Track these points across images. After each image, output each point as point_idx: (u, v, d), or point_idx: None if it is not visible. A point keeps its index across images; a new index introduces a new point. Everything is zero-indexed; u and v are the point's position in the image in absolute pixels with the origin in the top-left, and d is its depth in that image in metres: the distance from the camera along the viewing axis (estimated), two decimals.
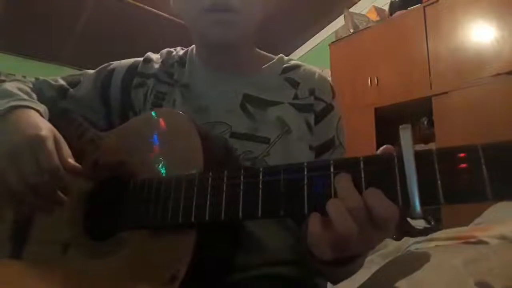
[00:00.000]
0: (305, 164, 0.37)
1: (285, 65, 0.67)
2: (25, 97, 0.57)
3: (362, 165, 0.35)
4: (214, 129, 0.58)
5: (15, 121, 0.51)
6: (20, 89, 0.59)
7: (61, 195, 0.50)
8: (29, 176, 0.46)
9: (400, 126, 0.34)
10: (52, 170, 0.46)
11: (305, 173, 0.37)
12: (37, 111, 0.55)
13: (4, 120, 0.51)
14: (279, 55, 0.70)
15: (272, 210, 0.38)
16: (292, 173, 0.38)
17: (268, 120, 0.60)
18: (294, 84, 0.65)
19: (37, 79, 0.69)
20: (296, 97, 0.63)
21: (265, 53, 0.71)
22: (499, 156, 0.30)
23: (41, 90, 0.65)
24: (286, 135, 0.59)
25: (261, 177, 0.39)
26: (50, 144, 0.47)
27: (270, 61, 0.68)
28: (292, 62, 0.69)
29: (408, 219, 2.05)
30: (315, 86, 0.64)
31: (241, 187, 0.40)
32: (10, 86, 0.59)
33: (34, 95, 0.61)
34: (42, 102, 0.62)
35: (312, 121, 0.62)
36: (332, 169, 0.36)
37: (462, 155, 0.31)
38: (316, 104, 0.63)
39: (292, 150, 0.58)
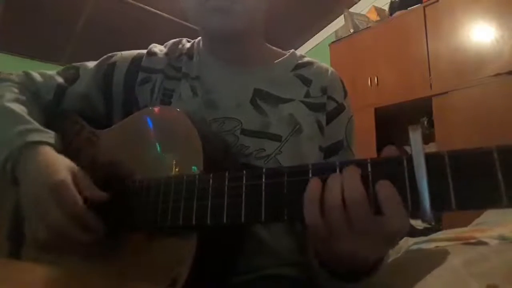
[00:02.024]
0: (310, 166, 0.36)
1: (297, 62, 0.66)
2: (34, 123, 0.54)
3: (369, 168, 0.34)
4: (224, 125, 0.57)
5: (34, 164, 0.49)
6: (22, 110, 0.56)
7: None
8: (57, 223, 0.45)
9: (410, 127, 0.32)
10: (76, 215, 0.45)
11: (310, 175, 0.36)
12: (50, 144, 0.52)
13: (23, 161, 0.50)
14: (291, 51, 0.69)
15: (276, 214, 0.36)
16: (296, 175, 0.36)
17: (280, 116, 0.58)
18: (306, 81, 0.63)
19: (25, 72, 0.65)
20: (308, 95, 0.62)
21: (276, 48, 0.70)
22: None
23: (38, 93, 0.63)
24: (297, 133, 0.58)
25: (264, 179, 0.37)
26: (71, 188, 0.46)
27: (282, 56, 0.67)
28: (305, 59, 0.67)
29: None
30: (327, 84, 0.63)
31: (243, 189, 0.38)
32: (9, 101, 0.57)
33: (35, 108, 0.59)
34: (40, 106, 0.61)
35: (323, 122, 0.61)
36: (338, 171, 0.35)
37: (475, 158, 0.29)
38: (328, 104, 0.62)
39: (303, 150, 0.57)
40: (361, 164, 0.34)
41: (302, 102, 0.61)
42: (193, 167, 0.44)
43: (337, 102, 0.63)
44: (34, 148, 0.50)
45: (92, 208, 0.46)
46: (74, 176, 0.48)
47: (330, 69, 0.67)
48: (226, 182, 0.40)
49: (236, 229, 0.47)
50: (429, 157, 0.31)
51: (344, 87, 0.66)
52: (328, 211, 0.34)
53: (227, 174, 0.40)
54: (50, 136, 0.53)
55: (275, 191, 0.37)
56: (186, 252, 0.40)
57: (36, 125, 0.54)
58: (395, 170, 0.32)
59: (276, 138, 0.57)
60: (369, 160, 0.34)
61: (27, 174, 0.49)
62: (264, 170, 0.38)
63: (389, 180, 0.32)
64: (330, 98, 0.63)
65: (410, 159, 0.32)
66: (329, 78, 0.64)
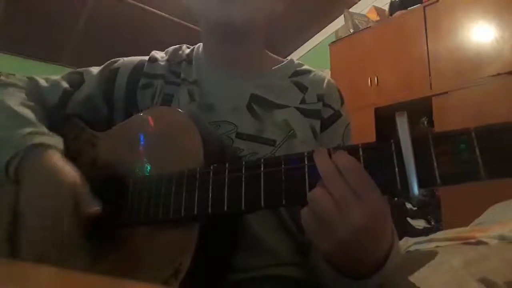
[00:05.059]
0: (305, 153, 0.39)
1: (295, 69, 0.67)
2: (42, 126, 0.54)
3: (361, 152, 0.36)
4: (221, 128, 0.58)
5: (40, 164, 0.48)
6: (29, 113, 0.56)
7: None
8: (64, 217, 0.46)
9: (396, 113, 0.35)
10: (86, 215, 0.46)
11: (306, 162, 0.38)
12: (58, 150, 0.52)
13: (30, 161, 0.49)
14: (289, 58, 0.70)
15: (274, 199, 0.39)
16: (293, 163, 0.39)
17: (274, 122, 0.59)
18: (302, 88, 0.64)
19: (30, 78, 0.65)
20: (303, 101, 0.63)
21: (275, 56, 0.71)
22: (491, 137, 0.31)
23: (43, 98, 0.63)
24: (291, 138, 0.58)
25: (262, 168, 0.40)
26: (86, 188, 0.46)
27: (280, 63, 0.68)
28: (303, 67, 0.68)
29: (408, 219, 2.06)
30: (323, 92, 0.64)
31: (243, 178, 0.41)
32: (14, 103, 0.56)
33: (40, 112, 0.59)
34: (45, 111, 0.61)
35: (317, 128, 0.62)
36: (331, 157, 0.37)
37: (456, 137, 0.33)
38: (324, 111, 0.63)
39: None
40: (352, 149, 0.37)
41: (297, 108, 0.62)
42: (194, 164, 0.45)
43: (333, 109, 0.64)
44: (42, 150, 0.50)
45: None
46: (77, 187, 0.47)
47: (327, 77, 0.68)
48: (226, 173, 0.42)
49: (235, 221, 0.49)
50: (415, 139, 0.34)
51: (341, 95, 0.67)
52: (327, 181, 0.36)
53: (227, 165, 0.42)
54: (58, 141, 0.53)
55: (273, 178, 0.39)
56: (188, 242, 0.41)
57: (44, 128, 0.53)
58: (384, 153, 0.35)
59: (270, 142, 0.57)
60: (360, 145, 0.37)
61: (32, 173, 0.48)
62: (262, 159, 0.41)
63: (380, 164, 0.35)
64: (326, 105, 0.64)
65: (397, 143, 0.35)
66: (325, 86, 0.65)
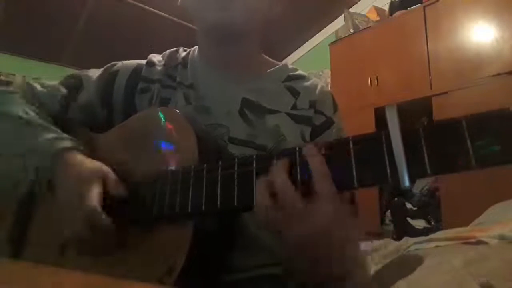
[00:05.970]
0: (297, 149, 0.39)
1: (289, 74, 0.67)
2: (58, 130, 0.56)
3: (351, 145, 0.36)
4: (216, 131, 0.58)
5: (67, 171, 0.50)
6: (45, 119, 0.58)
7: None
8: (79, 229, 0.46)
9: (386, 106, 0.35)
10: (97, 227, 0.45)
11: (297, 157, 0.39)
12: (79, 149, 0.54)
13: (58, 168, 0.51)
14: (283, 62, 0.70)
15: None
16: (285, 158, 0.39)
17: (266, 127, 0.59)
18: (295, 93, 0.64)
19: (27, 83, 0.66)
20: (294, 107, 0.62)
21: (270, 59, 0.71)
22: (481, 126, 0.31)
23: (44, 105, 0.63)
24: (282, 144, 0.59)
25: (254, 164, 0.40)
26: (100, 213, 0.45)
27: (274, 66, 0.68)
28: (297, 72, 0.68)
29: (408, 219, 2.06)
30: (316, 99, 0.64)
31: (236, 175, 0.41)
32: (22, 112, 0.57)
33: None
34: (47, 115, 0.61)
35: (307, 135, 0.61)
36: (323, 151, 0.38)
37: (446, 127, 0.33)
38: (316, 118, 0.63)
39: None
40: (343, 141, 0.37)
41: (288, 114, 0.62)
42: (189, 164, 0.46)
43: (326, 116, 0.64)
44: (65, 154, 0.51)
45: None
46: (104, 177, 0.48)
47: (321, 84, 0.68)
48: (220, 170, 0.42)
49: (231, 220, 0.49)
50: (405, 131, 0.34)
51: (334, 102, 0.67)
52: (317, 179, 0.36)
53: (220, 163, 0.43)
54: (79, 143, 0.55)
55: (264, 174, 0.39)
56: (183, 240, 0.42)
57: (62, 132, 0.55)
58: (375, 145, 0.35)
59: (261, 148, 0.58)
60: (351, 138, 0.37)
61: (62, 181, 0.50)
62: (254, 156, 0.41)
63: (370, 156, 0.35)
64: (318, 112, 0.63)
65: (387, 135, 0.34)
66: (318, 93, 0.65)
